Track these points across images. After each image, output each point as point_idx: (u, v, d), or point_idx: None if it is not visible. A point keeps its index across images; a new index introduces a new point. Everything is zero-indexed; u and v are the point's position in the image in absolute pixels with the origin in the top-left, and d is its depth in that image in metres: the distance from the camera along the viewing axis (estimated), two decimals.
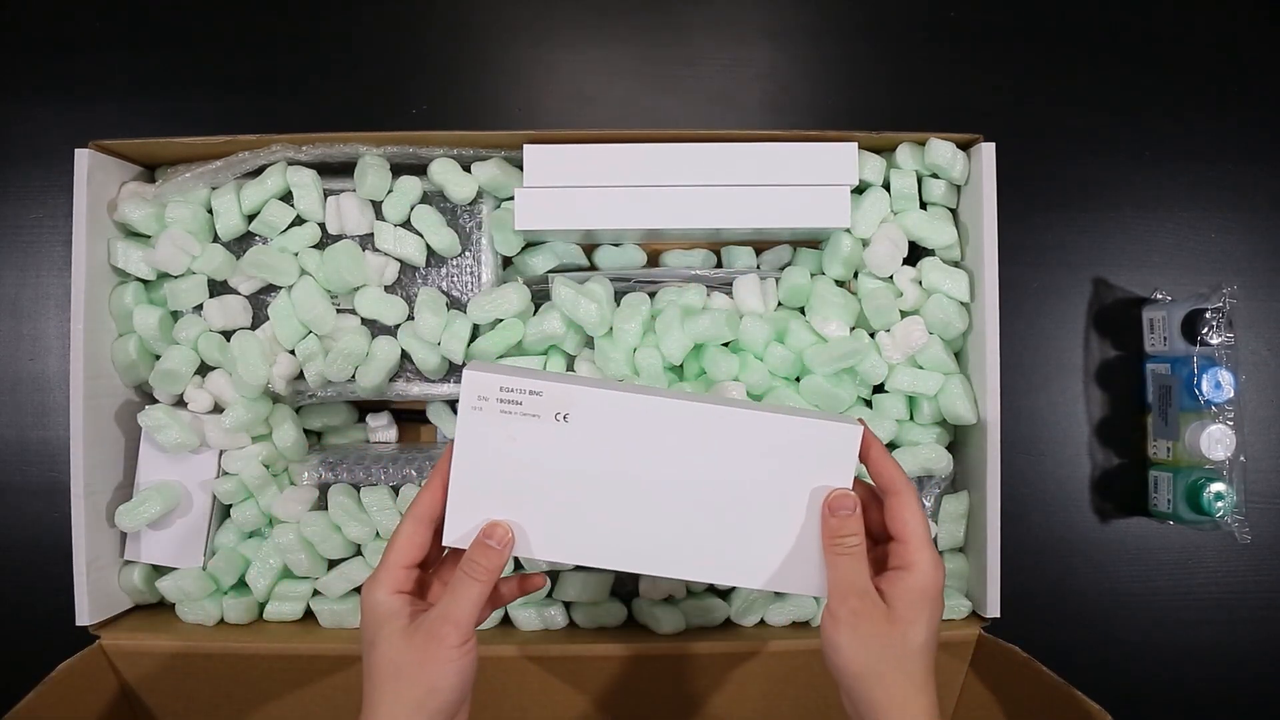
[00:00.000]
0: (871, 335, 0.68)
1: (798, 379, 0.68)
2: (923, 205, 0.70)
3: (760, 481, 0.49)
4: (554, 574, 0.68)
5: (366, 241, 0.68)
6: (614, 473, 0.49)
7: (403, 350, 0.67)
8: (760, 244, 0.73)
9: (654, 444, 0.49)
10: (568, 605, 0.69)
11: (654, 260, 0.73)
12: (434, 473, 0.50)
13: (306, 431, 0.71)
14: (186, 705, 0.68)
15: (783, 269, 0.70)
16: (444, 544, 0.50)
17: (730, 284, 0.69)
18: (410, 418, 0.76)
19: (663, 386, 0.66)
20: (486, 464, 0.49)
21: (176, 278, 0.67)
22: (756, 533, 0.50)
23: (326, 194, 0.68)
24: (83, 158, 0.65)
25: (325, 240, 0.68)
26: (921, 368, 0.68)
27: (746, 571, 0.50)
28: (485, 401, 0.48)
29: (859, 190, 0.69)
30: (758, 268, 0.72)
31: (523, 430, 0.48)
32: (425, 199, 0.68)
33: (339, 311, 0.68)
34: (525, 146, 0.66)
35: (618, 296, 0.69)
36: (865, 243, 0.68)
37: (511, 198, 0.67)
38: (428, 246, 0.68)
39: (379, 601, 0.47)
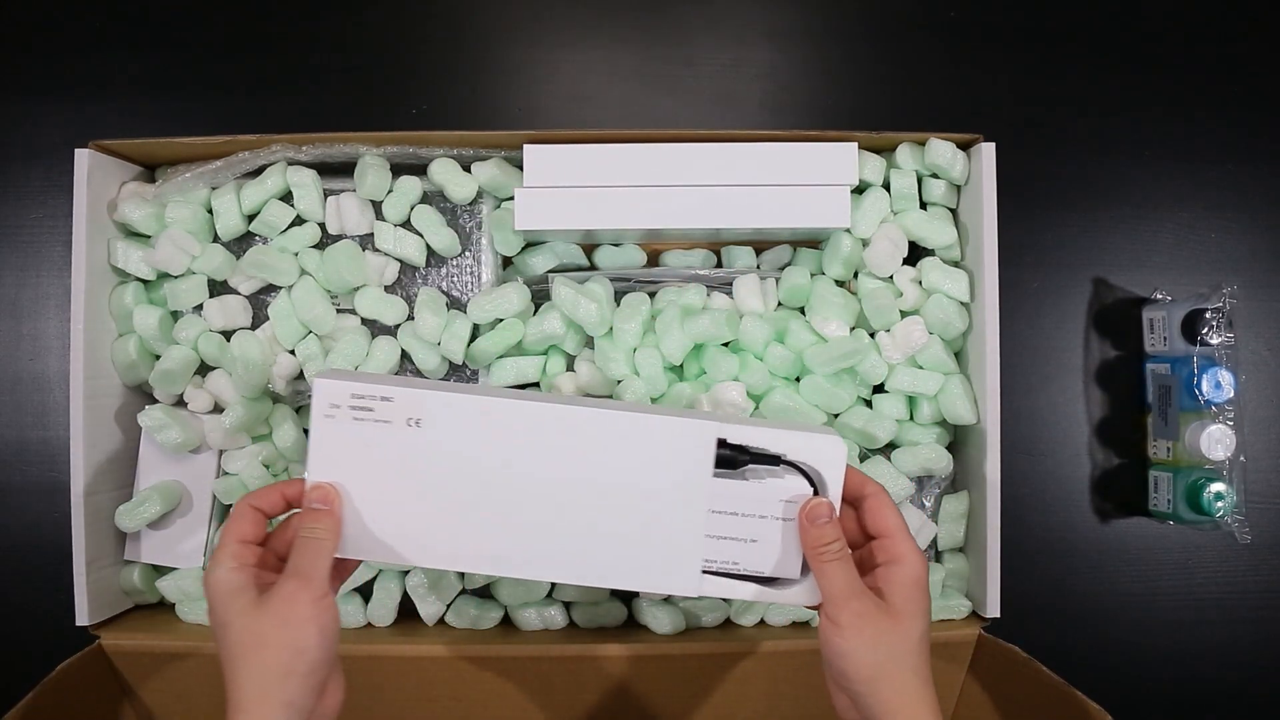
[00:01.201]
0: (871, 335, 0.68)
1: (798, 379, 0.68)
2: (923, 205, 0.70)
3: (626, 480, 0.49)
4: None
5: (366, 241, 0.68)
6: (468, 476, 0.49)
7: (403, 350, 0.67)
8: (760, 244, 0.73)
9: (508, 446, 0.49)
10: (568, 605, 0.70)
11: (654, 260, 0.73)
12: (288, 481, 0.50)
13: (306, 431, 0.71)
14: (186, 705, 0.68)
15: (783, 269, 0.70)
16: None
17: (730, 284, 0.69)
18: None
19: (662, 386, 0.66)
20: (343, 472, 0.49)
21: (176, 278, 0.67)
22: (626, 533, 0.50)
23: (326, 194, 0.68)
24: (83, 158, 0.65)
25: (325, 240, 0.68)
26: (921, 368, 0.68)
27: (616, 573, 0.50)
28: (338, 409, 0.48)
29: (859, 190, 0.69)
30: (758, 268, 0.72)
31: (376, 436, 0.49)
32: (425, 199, 0.68)
33: (339, 311, 0.68)
34: (525, 146, 0.66)
35: (618, 296, 0.69)
36: (865, 243, 0.68)
37: (511, 198, 0.67)
38: (428, 246, 0.68)
39: (221, 578, 0.46)
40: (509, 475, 0.49)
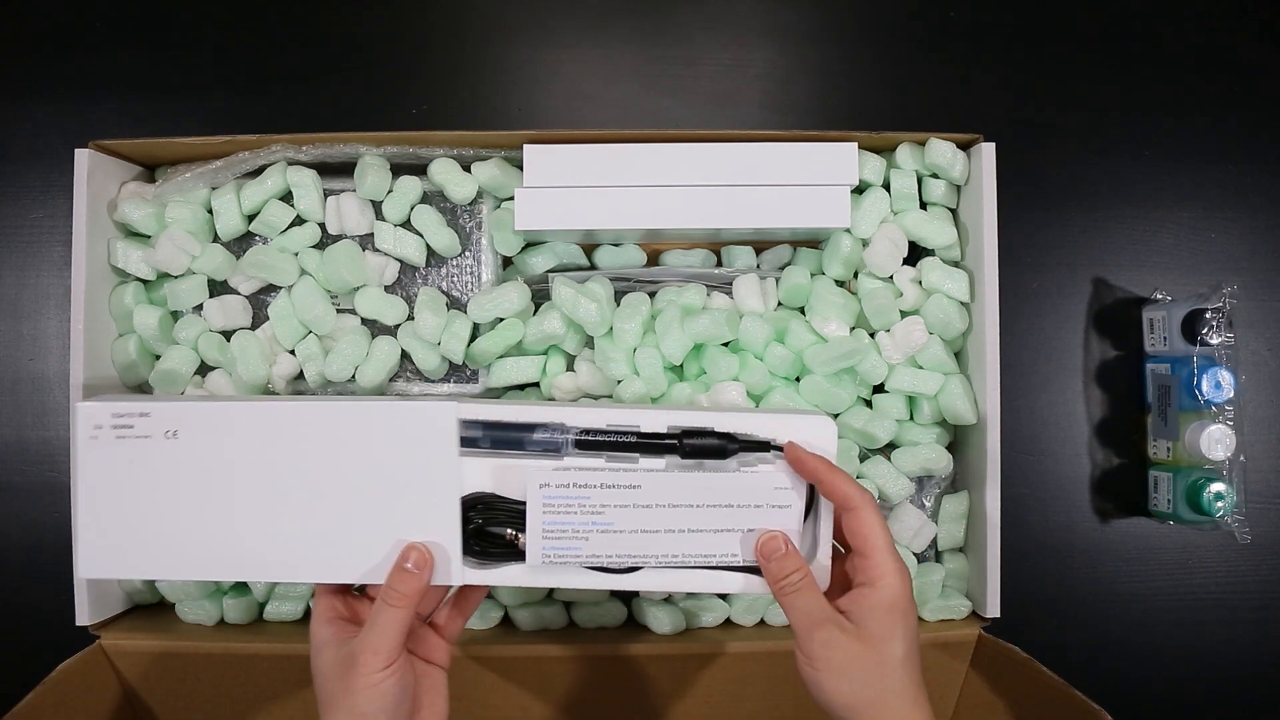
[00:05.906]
0: (871, 335, 0.68)
1: (798, 379, 0.68)
2: (923, 205, 0.70)
3: (375, 470, 0.50)
4: None
5: (366, 241, 0.68)
6: (229, 481, 0.50)
7: (403, 350, 0.67)
8: (760, 244, 0.73)
9: (262, 449, 0.50)
10: (567, 605, 0.70)
11: (654, 260, 0.73)
12: None
13: None
14: (186, 705, 0.68)
15: (783, 269, 0.70)
16: (80, 576, 0.51)
17: (730, 284, 0.69)
18: None
19: (662, 386, 0.66)
20: (111, 491, 0.50)
21: (176, 278, 0.67)
22: (385, 524, 0.50)
23: (326, 194, 0.68)
24: (83, 158, 0.65)
25: (325, 240, 0.68)
26: (921, 368, 0.68)
27: (371, 568, 0.50)
28: (100, 430, 0.50)
29: (859, 190, 0.69)
30: (758, 268, 0.72)
31: (138, 453, 0.50)
32: (425, 199, 0.68)
33: (339, 311, 0.68)
34: (525, 146, 0.66)
35: (618, 296, 0.69)
36: (865, 243, 0.68)
37: (511, 198, 0.67)
38: (428, 246, 0.68)
39: (314, 633, 0.49)
40: (263, 476, 0.50)
